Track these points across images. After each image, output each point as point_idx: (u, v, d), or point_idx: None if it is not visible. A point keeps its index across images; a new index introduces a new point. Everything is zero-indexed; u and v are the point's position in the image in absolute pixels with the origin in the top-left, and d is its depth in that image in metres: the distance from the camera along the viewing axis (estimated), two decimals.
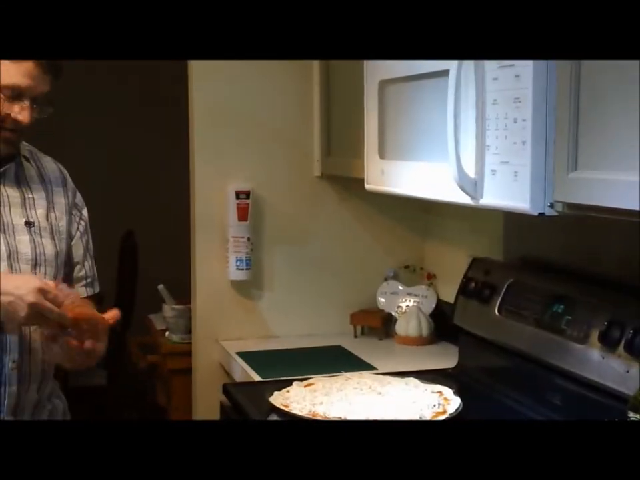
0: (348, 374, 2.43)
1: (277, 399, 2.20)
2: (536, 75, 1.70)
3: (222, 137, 3.07)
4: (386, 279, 3.21)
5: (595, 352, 1.98)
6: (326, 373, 2.47)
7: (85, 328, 1.91)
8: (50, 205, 2.15)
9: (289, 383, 2.33)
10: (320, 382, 2.34)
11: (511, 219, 2.58)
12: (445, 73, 1.91)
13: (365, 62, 2.43)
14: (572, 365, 2.05)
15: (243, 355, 2.84)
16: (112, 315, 1.98)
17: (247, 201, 3.04)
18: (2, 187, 2.08)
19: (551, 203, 1.71)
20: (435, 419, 2.06)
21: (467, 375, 2.51)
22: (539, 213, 1.73)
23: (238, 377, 2.77)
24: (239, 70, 3.01)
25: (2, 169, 2.07)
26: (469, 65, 1.87)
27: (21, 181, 2.13)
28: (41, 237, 2.09)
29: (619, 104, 1.52)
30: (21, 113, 2.00)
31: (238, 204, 3.03)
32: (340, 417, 2.06)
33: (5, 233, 2.04)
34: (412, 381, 2.35)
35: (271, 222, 3.13)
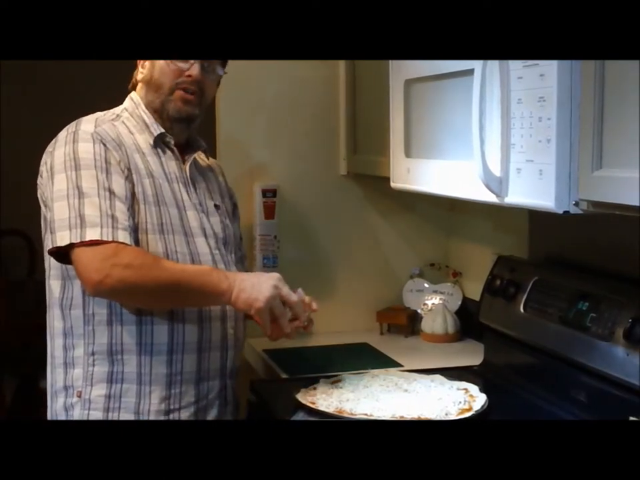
0: (374, 371, 2.44)
1: (304, 396, 2.22)
2: (560, 74, 1.70)
3: (248, 136, 3.09)
4: (412, 277, 3.22)
5: (619, 349, 1.98)
6: (352, 370, 2.48)
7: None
8: (221, 189, 2.37)
9: (315, 380, 2.34)
10: (346, 379, 2.35)
11: (535, 217, 2.58)
12: (470, 72, 1.92)
13: (391, 61, 2.44)
14: (597, 362, 2.06)
15: (269, 352, 2.85)
16: None
17: (274, 199, 3.06)
18: (194, 169, 2.26)
19: (575, 201, 1.72)
20: (461, 415, 2.07)
21: (492, 372, 2.52)
22: (564, 212, 1.74)
23: (264, 374, 2.79)
24: (265, 69, 3.02)
25: (192, 155, 2.25)
26: (493, 64, 1.88)
27: (204, 166, 2.34)
28: (225, 219, 2.29)
29: None
30: (190, 68, 2.16)
31: (264, 202, 3.05)
32: (366, 414, 2.07)
33: (202, 212, 2.21)
34: (438, 378, 2.36)
35: (298, 220, 3.15)
